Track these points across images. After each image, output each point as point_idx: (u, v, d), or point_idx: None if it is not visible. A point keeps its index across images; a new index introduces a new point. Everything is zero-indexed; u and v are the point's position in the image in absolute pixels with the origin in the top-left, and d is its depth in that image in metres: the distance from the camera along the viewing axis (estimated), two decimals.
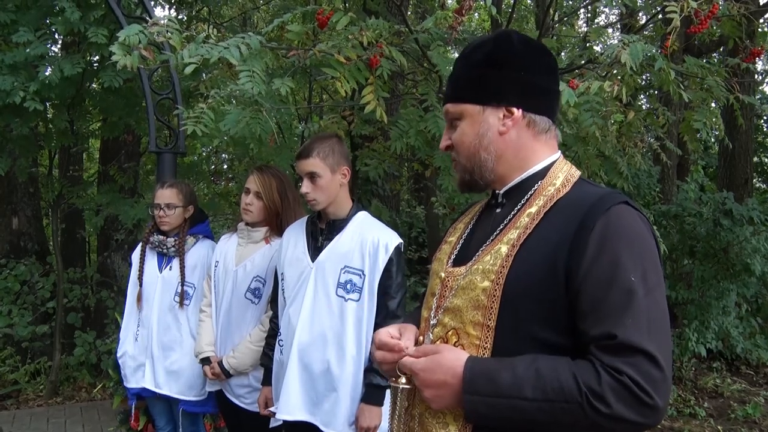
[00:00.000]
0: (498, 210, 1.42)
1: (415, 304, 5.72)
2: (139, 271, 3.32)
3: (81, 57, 4.90)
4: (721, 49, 8.23)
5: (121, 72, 4.58)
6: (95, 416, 5.81)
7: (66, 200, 6.83)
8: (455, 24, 2.77)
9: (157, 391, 3.20)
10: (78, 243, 8.29)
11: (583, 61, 3.71)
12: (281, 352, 2.61)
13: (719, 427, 5.52)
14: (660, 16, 3.84)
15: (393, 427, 1.40)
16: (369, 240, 2.48)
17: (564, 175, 1.37)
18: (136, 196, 7.00)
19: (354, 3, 6.16)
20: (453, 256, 1.46)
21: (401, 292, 2.51)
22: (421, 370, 1.27)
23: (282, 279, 2.65)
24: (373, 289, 2.46)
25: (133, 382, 3.29)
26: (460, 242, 1.48)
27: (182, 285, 3.21)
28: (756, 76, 8.18)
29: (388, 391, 2.50)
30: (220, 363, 2.90)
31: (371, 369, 2.44)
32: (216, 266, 3.04)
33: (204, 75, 4.42)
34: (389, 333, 1.41)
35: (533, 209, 1.32)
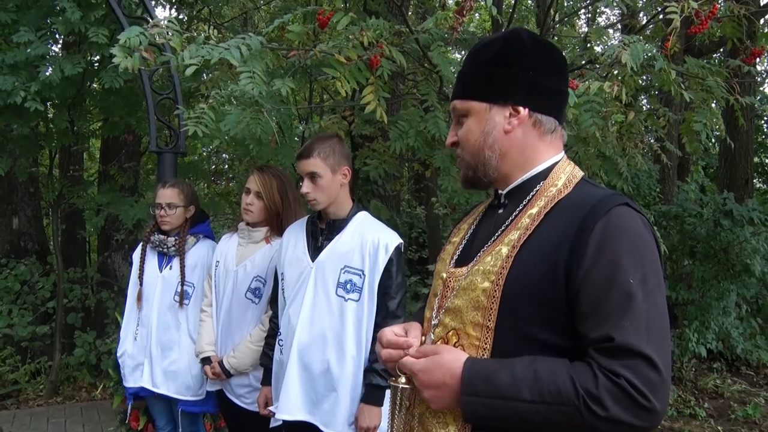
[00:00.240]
0: (500, 211, 1.42)
1: (415, 304, 5.72)
2: (140, 270, 3.32)
3: (82, 57, 4.90)
4: (722, 50, 8.24)
5: (122, 72, 4.58)
6: (95, 416, 5.81)
7: (66, 200, 6.83)
8: (456, 24, 2.77)
9: (155, 390, 3.21)
10: (78, 243, 8.29)
11: (583, 62, 3.71)
12: (281, 351, 2.61)
13: (719, 428, 5.52)
14: (660, 16, 3.84)
15: (394, 426, 1.40)
16: (369, 240, 2.48)
17: (566, 175, 1.37)
18: (137, 195, 7.00)
19: (354, 3, 6.16)
20: (456, 257, 1.46)
21: (401, 293, 2.51)
22: (421, 370, 1.28)
23: (282, 279, 2.65)
24: (373, 289, 2.46)
25: (131, 382, 3.29)
26: (463, 243, 1.48)
27: (182, 285, 3.21)
28: (756, 77, 8.17)
29: (388, 392, 2.51)
30: (220, 363, 2.90)
31: (371, 369, 2.44)
32: (217, 266, 3.04)
33: (205, 75, 4.43)
34: (394, 332, 1.41)
35: (534, 210, 1.32)
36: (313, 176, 2.49)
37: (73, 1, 4.56)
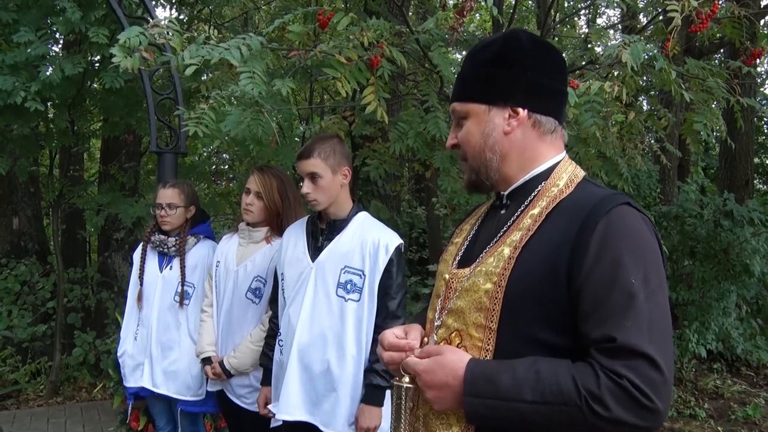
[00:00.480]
0: (502, 211, 1.42)
1: (415, 304, 5.72)
2: (140, 270, 3.33)
3: (82, 57, 4.90)
4: (722, 51, 8.24)
5: (122, 72, 4.59)
6: (95, 416, 5.81)
7: (66, 200, 6.83)
8: (456, 25, 2.77)
9: (155, 390, 3.21)
10: (78, 243, 8.29)
11: (583, 62, 3.71)
12: (281, 352, 2.61)
13: (719, 429, 5.52)
14: (661, 17, 3.84)
15: (399, 427, 1.40)
16: (369, 240, 2.48)
17: (568, 175, 1.37)
18: (137, 196, 7.00)
19: (355, 3, 6.16)
20: (458, 258, 1.46)
21: (401, 293, 2.51)
22: (424, 371, 1.28)
23: (282, 279, 2.65)
24: (373, 290, 2.46)
25: (131, 382, 3.30)
26: (466, 243, 1.48)
27: (182, 285, 3.21)
28: (757, 78, 8.17)
29: (388, 392, 2.51)
30: (221, 363, 2.90)
31: (371, 369, 2.44)
32: (217, 266, 3.04)
33: (205, 76, 4.43)
34: (395, 334, 1.41)
35: (536, 210, 1.32)
36: (313, 176, 2.49)
37: (73, 1, 4.56)
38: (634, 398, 1.12)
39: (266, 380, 2.72)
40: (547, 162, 1.39)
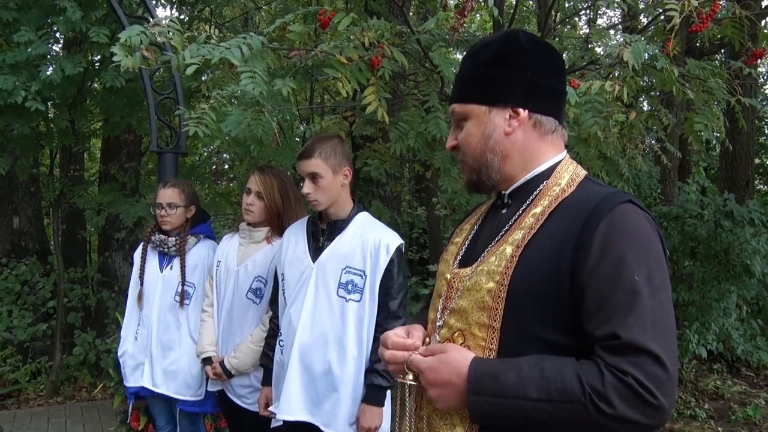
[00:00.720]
0: (503, 211, 1.42)
1: (415, 304, 5.72)
2: (141, 270, 3.33)
3: (82, 57, 4.90)
4: (722, 51, 8.23)
5: (123, 72, 4.59)
6: (96, 416, 5.81)
7: (67, 200, 6.84)
8: (457, 25, 2.77)
9: (155, 390, 3.21)
10: (79, 243, 8.29)
11: (584, 63, 3.71)
12: (282, 352, 2.61)
13: (720, 429, 5.52)
14: (662, 17, 3.84)
15: (402, 426, 1.40)
16: (370, 240, 2.48)
17: (569, 174, 1.37)
18: (137, 195, 7.00)
19: (356, 4, 6.16)
20: (459, 258, 1.46)
21: (402, 293, 2.51)
22: (427, 368, 1.28)
23: (282, 279, 2.65)
24: (374, 290, 2.46)
25: (132, 381, 3.30)
26: (466, 243, 1.48)
27: (182, 285, 3.21)
28: (758, 78, 8.17)
29: (389, 392, 2.51)
30: (221, 363, 2.90)
31: (372, 370, 2.44)
32: (218, 266, 3.04)
33: (206, 75, 4.42)
34: (397, 334, 1.41)
35: (538, 209, 1.32)
36: (314, 177, 2.49)
37: (73, 0, 4.56)
38: (639, 395, 1.12)
39: (267, 380, 2.72)
40: (549, 161, 1.39)
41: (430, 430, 1.36)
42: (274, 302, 2.75)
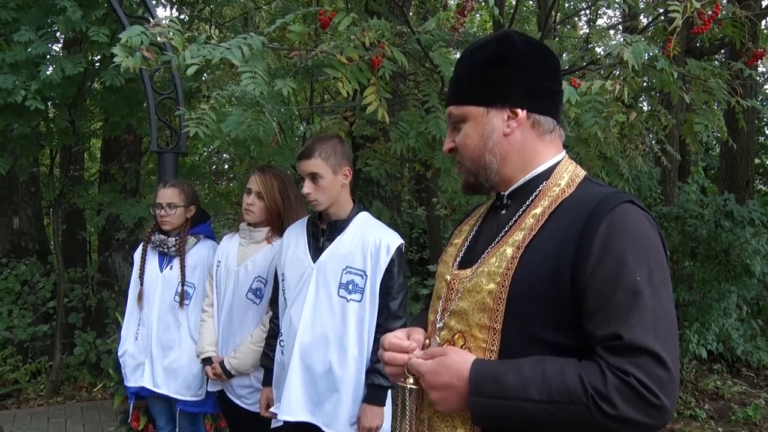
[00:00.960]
0: (503, 211, 1.41)
1: (415, 305, 5.71)
2: (141, 270, 3.33)
3: (82, 56, 4.90)
4: (722, 51, 8.23)
5: (123, 72, 4.59)
6: (96, 416, 5.81)
7: (67, 200, 6.83)
8: (457, 25, 2.77)
9: (155, 390, 3.20)
10: (79, 243, 8.29)
11: (584, 63, 3.71)
12: (282, 352, 2.61)
13: (720, 429, 5.52)
14: (662, 18, 3.84)
15: (403, 430, 1.39)
16: (371, 240, 2.48)
17: (569, 175, 1.36)
18: (137, 196, 7.00)
19: (356, 4, 6.16)
20: (458, 259, 1.45)
21: (403, 293, 2.51)
22: (428, 371, 1.27)
23: (283, 279, 2.65)
24: (374, 290, 2.46)
25: (132, 381, 3.30)
26: (466, 244, 1.47)
27: (182, 285, 3.21)
28: (758, 78, 8.17)
29: (389, 392, 2.51)
30: (221, 363, 2.89)
31: (373, 369, 2.44)
32: (218, 266, 3.04)
33: (206, 75, 4.42)
34: (396, 336, 1.40)
35: (538, 210, 1.32)
36: (314, 177, 2.49)
37: (74, 0, 4.56)
38: (641, 396, 1.11)
39: (267, 381, 2.72)
40: (548, 162, 1.38)
41: None
42: (274, 302, 2.75)
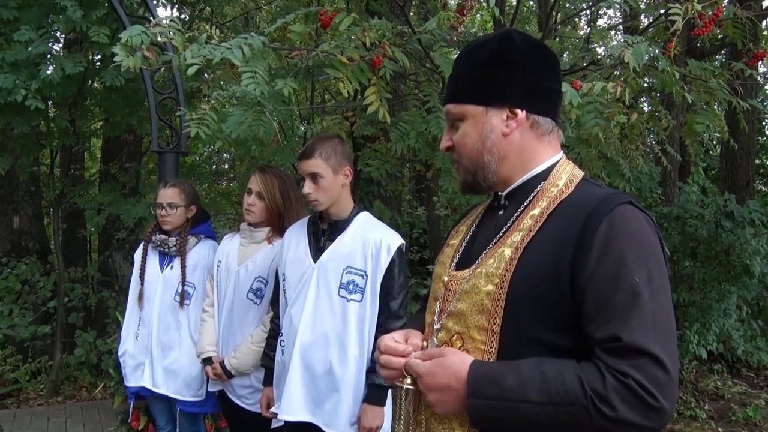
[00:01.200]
0: (501, 212, 1.40)
1: (415, 305, 5.71)
2: (141, 270, 3.32)
3: (83, 56, 4.90)
4: (723, 51, 8.23)
5: (124, 72, 4.59)
6: (96, 416, 5.81)
7: (67, 199, 6.83)
8: (456, 24, 2.76)
9: (155, 390, 3.20)
10: (79, 242, 8.29)
11: (585, 63, 3.71)
12: (282, 352, 2.61)
13: (720, 430, 5.52)
14: (662, 18, 3.84)
15: (400, 430, 1.39)
16: (371, 240, 2.48)
17: (567, 175, 1.35)
18: (138, 195, 7.00)
19: (356, 3, 6.16)
20: (456, 260, 1.44)
21: (403, 293, 2.51)
22: (426, 373, 1.26)
23: (283, 279, 2.65)
24: (375, 290, 2.46)
25: (132, 381, 3.30)
26: (463, 245, 1.46)
27: (183, 285, 3.21)
28: (759, 79, 8.16)
29: (390, 392, 2.51)
30: (221, 363, 2.89)
31: (374, 369, 2.44)
32: (218, 266, 3.04)
33: (207, 75, 4.42)
34: (393, 338, 1.39)
35: (536, 211, 1.31)
36: (314, 177, 2.49)
37: None
38: (641, 398, 1.11)
39: (268, 381, 2.72)
40: (546, 162, 1.38)
41: None
42: (275, 302, 2.75)
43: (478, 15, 11.84)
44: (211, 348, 2.99)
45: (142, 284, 3.30)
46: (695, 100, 3.17)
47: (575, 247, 1.20)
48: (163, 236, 3.28)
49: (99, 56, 5.62)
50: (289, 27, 2.92)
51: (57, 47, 6.43)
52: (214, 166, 9.98)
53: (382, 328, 2.41)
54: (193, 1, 7.20)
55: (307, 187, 2.50)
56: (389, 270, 2.46)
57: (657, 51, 2.83)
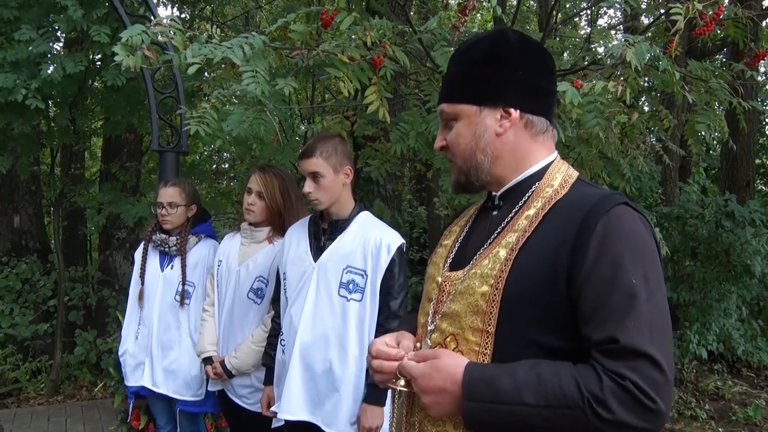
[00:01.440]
0: (495, 212, 1.39)
1: (415, 304, 5.70)
2: (141, 269, 3.33)
3: (83, 55, 4.90)
4: (723, 51, 8.23)
5: (124, 71, 4.59)
6: (96, 415, 5.81)
7: (68, 198, 6.84)
8: (458, 24, 2.76)
9: (155, 389, 3.20)
10: (79, 241, 8.30)
11: (585, 63, 3.70)
12: (283, 352, 2.61)
13: (720, 430, 5.52)
14: (663, 18, 3.84)
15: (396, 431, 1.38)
16: (371, 240, 2.48)
17: (562, 175, 1.34)
18: (138, 195, 7.00)
19: (357, 3, 6.16)
20: (449, 260, 1.43)
21: (403, 293, 2.50)
22: (420, 375, 1.25)
23: (284, 279, 2.65)
24: (375, 290, 2.46)
25: (132, 381, 3.30)
26: (456, 246, 1.45)
27: (183, 284, 3.21)
28: (759, 79, 8.16)
29: (389, 392, 2.50)
30: (222, 363, 2.89)
31: None
32: (219, 265, 3.04)
33: (207, 74, 4.42)
34: (385, 342, 1.38)
35: (531, 211, 1.30)
36: (315, 176, 2.49)
37: None
38: (637, 400, 1.10)
39: (269, 380, 2.72)
40: (540, 162, 1.37)
41: None
42: (276, 301, 2.75)
43: (478, 15, 11.84)
44: (211, 347, 2.99)
45: (143, 284, 3.30)
46: (696, 100, 3.17)
47: (572, 247, 1.20)
48: (163, 235, 3.28)
49: (99, 55, 5.62)
50: (290, 26, 2.92)
51: (57, 46, 6.42)
52: (215, 166, 9.99)
53: (382, 328, 2.41)
54: (193, 0, 7.20)
55: (308, 187, 2.50)
56: (389, 269, 2.46)
57: (658, 51, 2.83)
